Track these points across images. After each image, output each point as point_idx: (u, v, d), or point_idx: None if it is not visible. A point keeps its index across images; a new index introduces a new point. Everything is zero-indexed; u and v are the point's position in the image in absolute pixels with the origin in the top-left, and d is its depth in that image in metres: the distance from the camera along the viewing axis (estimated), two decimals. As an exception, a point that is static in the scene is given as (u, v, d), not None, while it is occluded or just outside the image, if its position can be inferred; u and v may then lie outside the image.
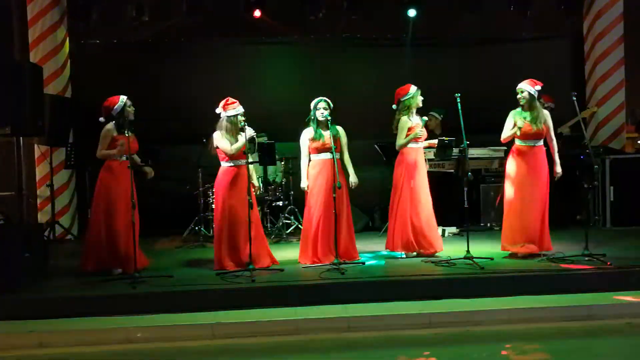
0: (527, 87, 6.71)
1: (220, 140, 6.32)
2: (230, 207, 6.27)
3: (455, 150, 7.59)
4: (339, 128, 6.63)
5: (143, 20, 8.92)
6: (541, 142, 6.71)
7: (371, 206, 9.28)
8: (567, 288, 5.64)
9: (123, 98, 6.30)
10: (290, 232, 8.48)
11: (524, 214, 6.50)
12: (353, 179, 6.61)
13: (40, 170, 8.74)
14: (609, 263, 5.97)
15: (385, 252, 6.94)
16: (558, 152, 6.79)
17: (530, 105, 6.69)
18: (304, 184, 6.58)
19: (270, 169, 8.78)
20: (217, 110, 6.40)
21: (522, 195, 6.53)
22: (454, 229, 8.35)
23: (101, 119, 6.21)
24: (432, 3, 9.38)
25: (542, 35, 9.94)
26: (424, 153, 6.96)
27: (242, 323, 5.12)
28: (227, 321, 5.13)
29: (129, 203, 5.87)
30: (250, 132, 6.30)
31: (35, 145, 8.65)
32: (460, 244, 6.61)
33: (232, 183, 6.29)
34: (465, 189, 6.36)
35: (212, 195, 8.27)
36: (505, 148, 8.83)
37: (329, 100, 6.57)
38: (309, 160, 6.62)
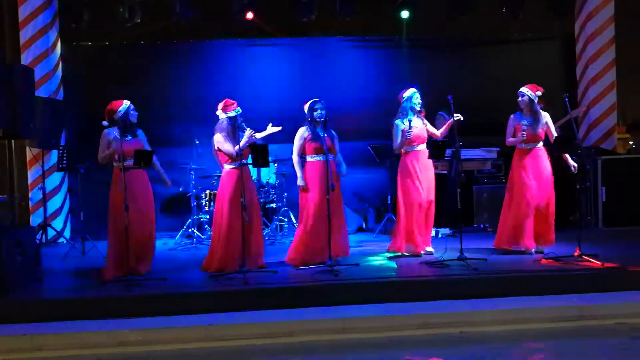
0: (527, 92, 6.82)
1: (223, 143, 6.30)
2: (238, 209, 6.24)
3: (448, 152, 7.61)
4: (332, 130, 6.64)
5: (135, 22, 8.90)
6: (541, 144, 6.78)
7: (365, 207, 9.30)
8: (560, 288, 5.66)
9: (127, 102, 6.29)
10: (284, 233, 8.48)
11: (525, 215, 6.67)
12: (344, 169, 6.65)
13: (32, 173, 8.69)
14: (601, 263, 6.01)
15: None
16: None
17: (529, 109, 6.79)
18: (301, 181, 6.55)
19: (264, 170, 8.77)
20: (217, 112, 6.39)
21: (525, 196, 6.69)
22: (447, 230, 8.37)
23: (104, 123, 6.16)
24: (425, 4, 9.41)
25: (534, 37, 10.01)
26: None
27: (236, 325, 5.12)
28: (221, 323, 5.13)
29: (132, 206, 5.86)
30: (249, 132, 6.27)
31: (27, 148, 8.61)
32: (454, 245, 6.63)
33: (238, 184, 6.25)
34: (459, 190, 6.38)
35: (205, 197, 8.26)
36: (498, 149, 8.90)
37: (323, 102, 6.57)
38: (304, 160, 6.59)
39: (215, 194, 7.78)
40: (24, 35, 8.62)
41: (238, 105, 6.40)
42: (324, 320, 5.18)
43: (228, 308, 5.39)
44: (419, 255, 6.77)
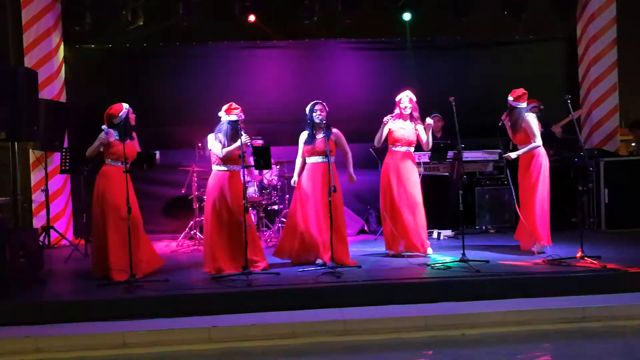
0: (508, 98, 6.93)
1: (212, 142, 6.35)
2: (221, 211, 6.28)
3: (450, 153, 7.61)
4: (335, 130, 6.66)
5: (138, 25, 8.92)
6: (529, 145, 6.79)
7: (366, 210, 9.29)
8: (562, 290, 5.66)
9: (126, 106, 6.37)
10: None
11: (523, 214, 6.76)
12: (351, 171, 6.70)
13: (35, 175, 8.71)
14: (603, 265, 6.00)
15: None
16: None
17: (509, 114, 6.94)
18: (295, 177, 6.63)
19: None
20: (220, 114, 6.42)
21: (521, 196, 6.86)
22: (449, 232, 8.37)
23: (104, 127, 6.22)
24: (427, 6, 9.42)
25: (536, 38, 10.00)
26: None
27: (238, 327, 5.12)
28: (224, 325, 5.13)
29: (125, 208, 5.87)
30: (245, 139, 6.29)
31: (30, 150, 8.64)
32: (456, 247, 6.63)
33: (223, 187, 6.30)
34: (460, 191, 6.39)
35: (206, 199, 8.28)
36: (500, 151, 8.89)
37: (324, 104, 6.59)
38: (304, 162, 6.64)
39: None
40: (27, 37, 8.66)
41: (242, 110, 6.43)
42: (326, 322, 5.18)
43: (230, 310, 5.40)
44: (401, 256, 6.82)
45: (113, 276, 6.01)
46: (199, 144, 8.16)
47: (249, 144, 6.33)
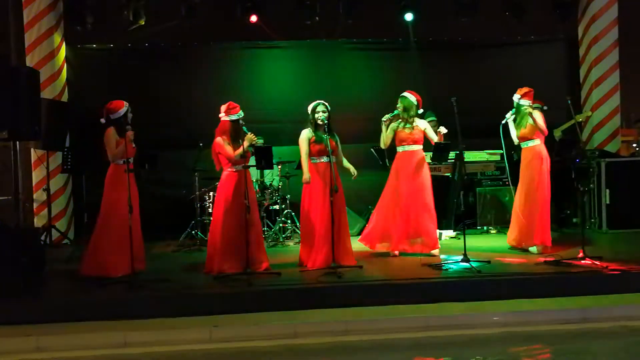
0: (514, 96, 7.02)
1: (223, 146, 6.32)
2: (234, 212, 6.27)
3: (452, 154, 7.62)
4: (334, 132, 6.66)
5: (139, 25, 8.92)
6: (533, 142, 6.84)
7: (367, 209, 9.29)
8: (563, 291, 5.66)
9: (126, 104, 6.40)
10: (286, 235, 8.48)
11: (523, 213, 6.87)
12: (353, 170, 6.68)
13: (37, 175, 8.72)
14: (604, 265, 6.00)
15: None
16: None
17: (516, 111, 7.00)
18: (306, 176, 6.55)
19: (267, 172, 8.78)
20: (220, 115, 6.41)
21: (523, 195, 6.96)
22: (450, 232, 8.37)
23: (102, 120, 6.26)
24: (428, 7, 9.41)
25: (538, 39, 10.00)
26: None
27: (240, 327, 5.13)
28: (225, 325, 5.13)
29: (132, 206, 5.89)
30: (252, 136, 6.29)
31: (32, 150, 8.64)
32: (457, 247, 6.63)
33: (237, 188, 6.29)
34: (462, 192, 6.39)
35: (209, 199, 8.28)
36: (501, 151, 8.88)
37: (327, 104, 6.59)
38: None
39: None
40: (29, 37, 8.65)
41: (241, 108, 6.42)
42: (327, 322, 5.18)
43: (232, 310, 5.40)
44: (394, 255, 6.86)
45: (112, 272, 6.05)
46: (200, 144, 8.17)
47: (254, 142, 6.31)
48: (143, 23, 8.90)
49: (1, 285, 5.54)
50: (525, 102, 6.96)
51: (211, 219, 6.79)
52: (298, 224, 7.97)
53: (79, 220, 8.96)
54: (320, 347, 4.96)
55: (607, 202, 8.44)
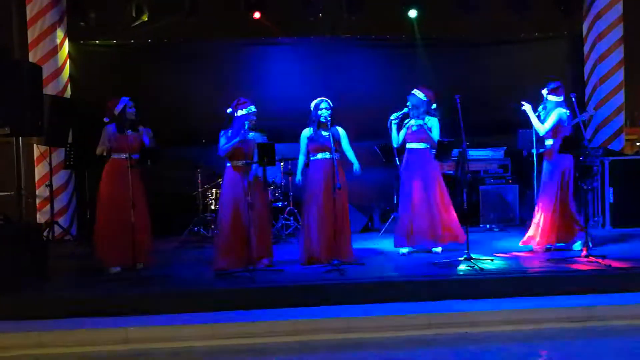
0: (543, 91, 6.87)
1: (220, 138, 6.33)
2: (234, 208, 6.26)
3: (455, 152, 7.59)
4: (339, 128, 6.63)
5: (143, 21, 8.91)
6: (553, 141, 6.72)
7: (370, 207, 9.28)
8: (567, 289, 5.63)
9: (124, 99, 6.41)
10: (289, 232, 8.48)
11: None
12: (357, 166, 6.61)
13: (40, 171, 8.73)
14: (608, 264, 5.97)
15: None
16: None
17: (544, 106, 6.84)
18: (298, 176, 6.61)
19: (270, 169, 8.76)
20: (228, 110, 6.40)
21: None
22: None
23: (106, 119, 6.34)
24: (433, 4, 9.39)
25: (542, 36, 9.96)
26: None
27: (242, 324, 5.12)
28: (227, 322, 5.13)
29: (129, 201, 5.89)
30: (241, 137, 6.25)
31: (35, 146, 8.65)
32: (460, 245, 6.61)
33: (237, 184, 6.28)
34: (465, 190, 6.36)
35: (211, 196, 8.28)
36: (504, 149, 8.86)
37: (329, 101, 6.57)
38: (308, 159, 6.63)
39: (220, 193, 7.81)
40: (32, 33, 8.66)
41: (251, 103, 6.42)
42: (329, 319, 5.17)
43: (234, 306, 5.39)
44: (416, 251, 6.85)
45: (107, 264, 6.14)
46: (203, 141, 8.16)
47: (248, 139, 6.27)
48: (146, 19, 8.89)
49: (3, 281, 5.54)
50: (555, 98, 6.78)
51: (214, 215, 6.78)
52: (300, 221, 7.96)
53: (81, 216, 8.96)
54: (322, 344, 4.95)
55: (611, 200, 8.40)
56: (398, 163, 7.36)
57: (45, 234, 7.74)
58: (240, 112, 6.35)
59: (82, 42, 9.35)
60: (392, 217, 8.54)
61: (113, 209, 6.20)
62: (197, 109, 9.19)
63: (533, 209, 7.03)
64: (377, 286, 5.68)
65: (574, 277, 5.77)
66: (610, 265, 5.93)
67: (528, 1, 9.17)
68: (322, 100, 6.55)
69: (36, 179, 8.76)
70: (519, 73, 9.69)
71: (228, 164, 6.38)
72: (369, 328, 5.12)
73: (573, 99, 6.65)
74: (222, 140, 6.32)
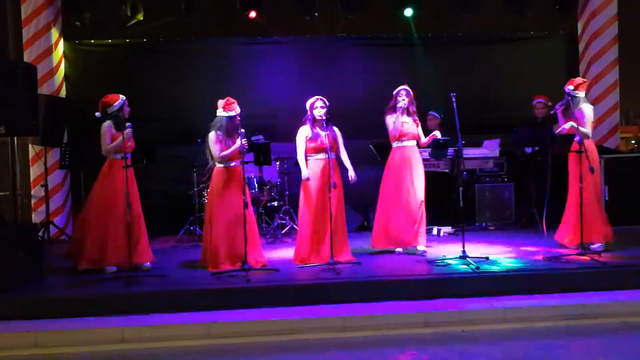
0: (566, 88, 6.75)
1: (213, 143, 6.32)
2: (221, 208, 6.27)
3: (451, 150, 7.60)
4: (335, 128, 6.63)
5: (138, 20, 8.90)
6: (582, 139, 6.56)
7: (366, 206, 9.28)
8: (562, 287, 5.65)
9: (122, 97, 6.37)
10: (285, 232, 8.47)
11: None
12: (352, 173, 6.61)
13: (35, 171, 8.71)
14: (604, 261, 5.99)
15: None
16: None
17: (567, 103, 6.73)
18: (304, 172, 6.51)
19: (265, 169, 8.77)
20: (217, 110, 6.39)
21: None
22: (449, 229, 8.36)
23: (97, 114, 6.24)
24: (428, 2, 9.40)
25: (537, 35, 9.99)
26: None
27: (237, 323, 5.12)
28: (223, 321, 5.12)
29: (130, 200, 5.91)
30: (241, 141, 6.22)
31: (30, 145, 8.63)
32: (456, 244, 6.62)
33: (225, 184, 6.29)
34: (461, 188, 6.37)
35: (207, 195, 8.27)
36: (500, 148, 8.86)
37: (325, 99, 6.55)
38: (306, 159, 6.61)
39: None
40: (27, 32, 8.64)
41: (237, 104, 6.40)
42: (325, 318, 5.18)
43: (229, 306, 5.39)
44: (392, 252, 6.82)
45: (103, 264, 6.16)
46: (199, 140, 8.13)
47: (246, 146, 6.26)
48: (141, 18, 8.87)
49: (-1, 281, 5.53)
50: (578, 94, 6.68)
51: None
52: (296, 221, 7.96)
53: (77, 216, 8.93)
54: (318, 343, 4.96)
55: (606, 198, 8.42)
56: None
57: (40, 234, 7.73)
58: (230, 112, 6.33)
59: (77, 41, 9.35)
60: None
61: (113, 209, 6.16)
62: (192, 108, 9.18)
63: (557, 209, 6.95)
64: (373, 285, 5.69)
65: (569, 275, 5.79)
66: (606, 263, 5.95)
67: (524, 0, 9.18)
68: (317, 99, 6.54)
69: (31, 179, 8.74)
70: (515, 72, 9.72)
71: (221, 165, 6.38)
72: (365, 327, 5.13)
73: (568, 98, 6.65)
74: (216, 146, 6.30)
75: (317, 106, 6.50)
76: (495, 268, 6.00)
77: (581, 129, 6.51)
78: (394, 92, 6.87)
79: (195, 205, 8.30)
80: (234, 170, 6.36)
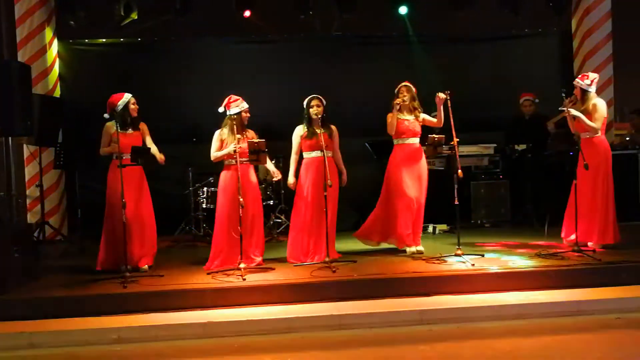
0: (578, 82, 6.73)
1: (213, 142, 6.32)
2: (231, 208, 6.26)
3: (446, 148, 7.59)
4: (332, 126, 6.63)
5: (132, 20, 8.87)
6: (591, 134, 6.59)
7: (361, 204, 9.28)
8: (556, 284, 5.67)
9: (127, 95, 6.37)
10: (280, 231, 8.47)
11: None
12: (344, 177, 6.62)
13: (30, 171, 8.67)
14: (598, 258, 6.01)
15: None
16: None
17: (581, 99, 6.70)
18: (290, 179, 6.58)
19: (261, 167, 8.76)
20: (220, 109, 6.39)
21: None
22: (444, 226, 8.37)
23: (105, 115, 6.23)
24: (423, 1, 9.40)
25: (532, 32, 10.01)
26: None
27: (233, 322, 5.12)
28: (219, 320, 5.13)
29: (132, 201, 5.97)
30: (233, 147, 6.20)
31: (24, 146, 8.59)
32: (451, 241, 6.63)
33: (230, 183, 6.28)
34: (456, 186, 6.38)
35: (203, 195, 8.27)
36: (495, 145, 8.88)
37: (321, 98, 6.55)
38: (301, 158, 6.62)
39: (211, 192, 7.81)
40: (21, 32, 8.59)
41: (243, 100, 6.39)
42: (321, 316, 5.18)
43: (226, 305, 5.40)
44: (403, 251, 6.75)
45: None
46: (194, 139, 8.14)
47: (237, 150, 6.20)
48: (136, 17, 8.84)
49: (-6, 282, 5.52)
50: (590, 89, 6.65)
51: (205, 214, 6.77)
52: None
53: (72, 216, 8.92)
54: (315, 341, 4.96)
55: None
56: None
57: (36, 234, 7.72)
58: (233, 110, 6.33)
59: (71, 41, 9.31)
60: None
61: (112, 212, 6.16)
62: (187, 107, 9.16)
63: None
64: (368, 283, 5.70)
65: (563, 272, 5.81)
66: (600, 260, 5.97)
67: (518, -2, 9.20)
68: (313, 97, 6.55)
69: (26, 179, 8.70)
70: (510, 69, 9.73)
71: (226, 163, 6.38)
72: (361, 325, 5.14)
73: (562, 95, 6.67)
74: (216, 145, 6.30)
75: (314, 105, 6.50)
76: (490, 265, 6.01)
77: (589, 122, 6.49)
78: (396, 89, 6.85)
79: (191, 204, 8.29)
80: (236, 170, 6.32)
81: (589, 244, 6.56)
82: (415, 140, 6.83)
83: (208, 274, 6.03)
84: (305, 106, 6.56)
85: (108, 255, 6.24)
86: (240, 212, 6.00)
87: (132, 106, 6.35)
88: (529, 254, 6.48)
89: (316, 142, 6.43)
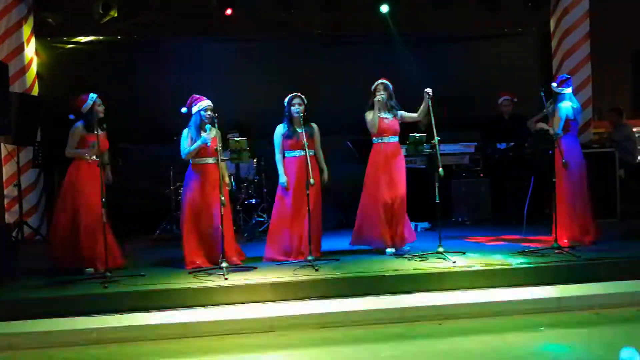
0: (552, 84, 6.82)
1: (184, 139, 6.29)
2: (197, 205, 6.24)
3: (427, 146, 7.62)
4: (313, 125, 6.61)
5: (111, 18, 8.79)
6: (570, 135, 6.72)
7: (344, 203, 9.29)
8: (538, 280, 5.72)
9: (92, 96, 6.25)
10: (263, 230, 8.45)
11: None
12: (325, 175, 6.61)
13: (7, 170, 8.56)
14: (578, 255, 6.07)
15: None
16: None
17: (553, 101, 6.80)
18: (282, 179, 6.51)
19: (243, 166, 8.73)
20: (183, 110, 6.36)
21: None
22: (425, 224, 8.41)
23: (71, 116, 6.14)
24: (404, 0, 9.43)
25: (511, 32, 10.11)
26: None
27: (215, 322, 5.10)
28: (201, 320, 5.10)
29: (97, 202, 5.80)
30: (204, 138, 6.18)
31: (2, 144, 8.48)
32: (432, 239, 6.67)
33: (197, 181, 6.26)
34: (437, 184, 6.41)
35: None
36: (475, 144, 8.95)
37: (302, 97, 6.53)
38: (283, 156, 6.59)
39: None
40: (-3, 30, 8.49)
41: (214, 102, 6.35)
42: (304, 315, 5.18)
43: (208, 304, 5.37)
44: (382, 252, 6.69)
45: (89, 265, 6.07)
46: (175, 138, 8.06)
47: (208, 142, 6.18)
48: (115, 15, 8.76)
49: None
50: (563, 91, 6.73)
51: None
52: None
53: (51, 216, 8.80)
54: (297, 340, 4.96)
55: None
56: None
57: (14, 234, 7.62)
58: (195, 109, 6.30)
59: (49, 39, 9.20)
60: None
61: (90, 212, 6.07)
62: (167, 106, 9.06)
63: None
64: (350, 281, 5.70)
65: (544, 268, 5.86)
66: (579, 257, 6.04)
67: (498, -2, 9.28)
68: (294, 96, 6.52)
69: (4, 179, 8.59)
70: (489, 69, 9.81)
71: (195, 161, 6.34)
72: (344, 323, 5.15)
73: (541, 94, 6.74)
74: (185, 142, 6.27)
75: (295, 103, 6.48)
76: (471, 263, 6.05)
77: (548, 128, 6.65)
78: (372, 87, 6.82)
79: (172, 203, 8.24)
80: (208, 167, 6.29)
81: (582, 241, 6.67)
82: (395, 139, 6.82)
83: (190, 273, 5.99)
84: (286, 105, 6.54)
85: (68, 255, 6.16)
86: (222, 211, 5.97)
87: (97, 107, 6.23)
88: (509, 251, 6.53)
89: (297, 141, 6.42)
